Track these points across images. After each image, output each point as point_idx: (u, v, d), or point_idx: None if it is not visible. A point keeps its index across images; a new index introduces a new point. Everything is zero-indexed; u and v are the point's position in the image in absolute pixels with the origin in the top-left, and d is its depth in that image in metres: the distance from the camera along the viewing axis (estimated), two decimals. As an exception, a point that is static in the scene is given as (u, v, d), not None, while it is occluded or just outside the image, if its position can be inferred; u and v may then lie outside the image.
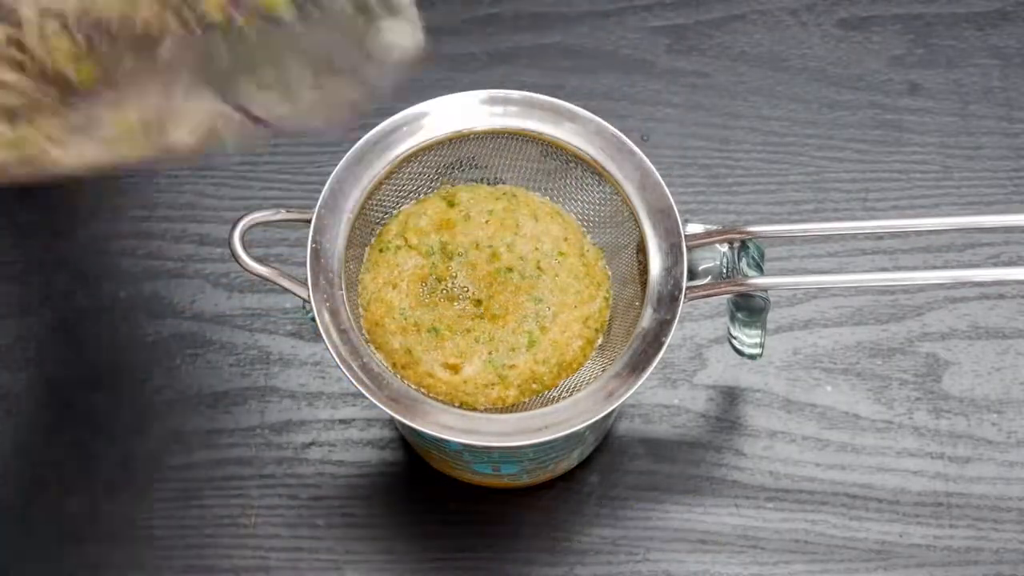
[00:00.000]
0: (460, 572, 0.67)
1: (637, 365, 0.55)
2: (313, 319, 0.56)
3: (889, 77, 0.78)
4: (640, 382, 0.55)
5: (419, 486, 0.68)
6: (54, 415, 0.70)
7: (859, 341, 0.71)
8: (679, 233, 0.57)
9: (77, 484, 0.69)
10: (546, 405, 0.56)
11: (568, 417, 0.55)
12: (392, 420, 0.68)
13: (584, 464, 0.68)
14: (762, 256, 0.58)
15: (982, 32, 0.79)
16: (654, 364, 0.55)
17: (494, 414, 0.57)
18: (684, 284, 0.56)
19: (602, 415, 0.55)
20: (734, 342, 0.62)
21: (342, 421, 0.70)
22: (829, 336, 0.71)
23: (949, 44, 0.79)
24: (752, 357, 0.62)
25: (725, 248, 0.58)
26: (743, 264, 0.57)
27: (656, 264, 0.57)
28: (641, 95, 0.77)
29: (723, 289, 0.57)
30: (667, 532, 0.67)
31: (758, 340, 0.61)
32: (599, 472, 0.69)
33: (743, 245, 0.57)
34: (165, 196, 0.75)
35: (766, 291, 0.58)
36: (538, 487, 0.68)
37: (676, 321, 0.56)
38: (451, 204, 0.60)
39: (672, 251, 0.57)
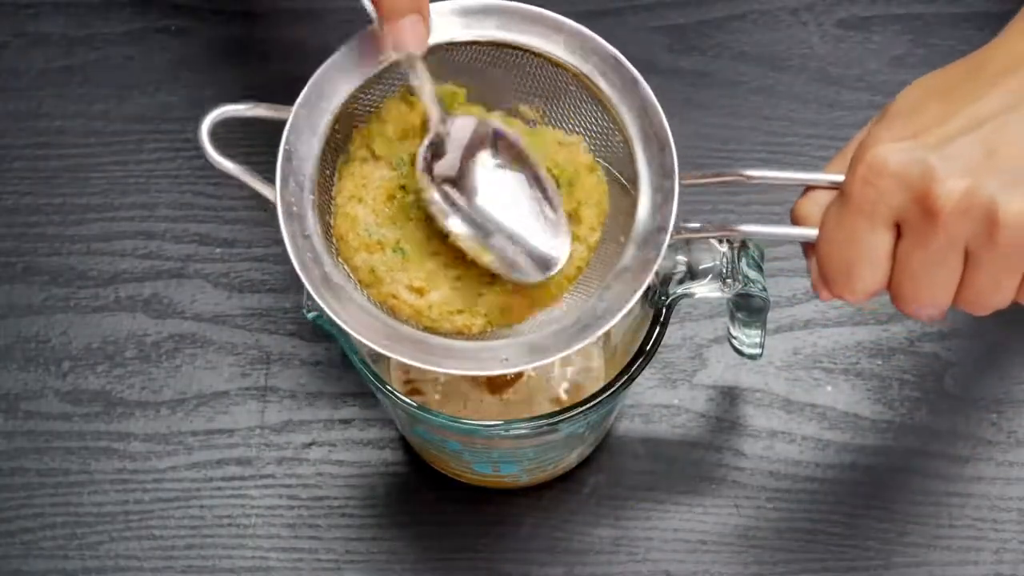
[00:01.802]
0: (460, 572, 0.67)
1: (611, 306, 0.52)
2: (315, 318, 0.56)
3: (889, 77, 0.78)
4: (609, 325, 0.52)
5: (419, 486, 0.68)
6: (53, 415, 0.70)
7: (859, 341, 0.71)
8: (673, 170, 0.54)
9: (80, 480, 0.69)
10: (511, 337, 0.54)
11: (529, 353, 0.52)
12: (392, 420, 0.68)
13: (584, 464, 0.68)
14: (762, 256, 0.58)
15: (982, 32, 0.79)
16: (628, 306, 0.52)
17: (458, 341, 0.54)
18: (671, 224, 0.53)
19: (564, 353, 0.52)
20: (734, 342, 0.62)
21: (342, 421, 0.70)
22: (829, 336, 0.71)
23: (949, 44, 0.79)
24: (752, 357, 0.62)
25: (725, 248, 0.58)
26: (743, 264, 0.57)
27: (645, 200, 0.54)
28: (641, 95, 0.77)
29: (712, 233, 0.54)
30: (667, 532, 0.67)
31: (758, 340, 0.61)
32: (599, 472, 0.69)
33: (743, 245, 0.57)
34: (165, 196, 0.75)
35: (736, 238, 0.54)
36: (538, 487, 0.68)
37: (658, 262, 0.53)
38: (411, 105, 0.55)
39: (663, 188, 0.54)
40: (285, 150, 0.54)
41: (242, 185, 0.76)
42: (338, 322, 0.52)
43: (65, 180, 0.76)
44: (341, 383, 0.70)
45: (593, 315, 0.53)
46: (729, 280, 0.56)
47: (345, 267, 0.55)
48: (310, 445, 0.69)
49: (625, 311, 0.52)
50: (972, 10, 0.79)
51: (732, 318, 0.61)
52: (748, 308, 0.60)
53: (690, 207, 0.74)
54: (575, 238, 0.55)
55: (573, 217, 0.55)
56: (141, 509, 0.68)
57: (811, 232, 0.51)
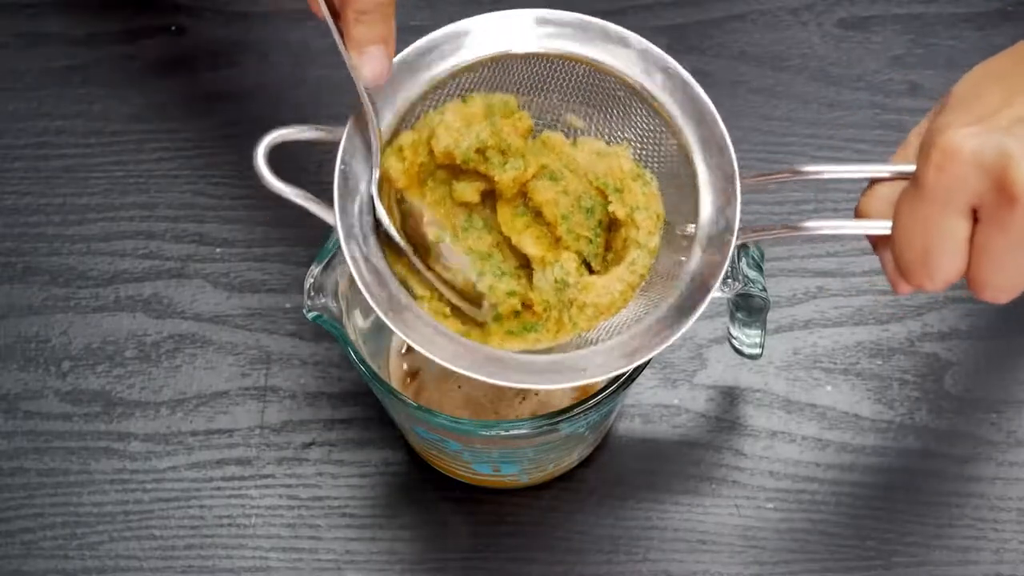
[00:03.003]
0: (460, 572, 0.67)
1: (683, 309, 0.53)
2: (315, 318, 0.56)
3: (889, 77, 0.78)
4: (687, 326, 0.52)
5: (419, 486, 0.68)
6: (53, 415, 0.70)
7: (859, 341, 0.71)
8: (734, 172, 0.54)
9: (80, 480, 0.69)
10: (582, 348, 0.54)
11: (605, 361, 0.52)
12: (393, 419, 0.68)
13: (584, 464, 0.68)
14: (762, 256, 0.58)
15: (982, 32, 0.79)
16: (701, 309, 0.52)
17: (525, 355, 0.54)
18: (736, 224, 0.53)
19: (645, 359, 0.52)
20: (734, 342, 0.62)
21: (342, 421, 0.70)
22: (829, 336, 0.71)
23: (949, 44, 0.79)
24: (752, 357, 0.62)
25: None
26: (743, 264, 0.57)
27: (707, 203, 0.54)
28: (641, 95, 0.77)
29: (777, 233, 0.53)
30: (667, 532, 0.67)
31: (758, 340, 0.61)
32: (599, 472, 0.69)
33: (743, 246, 0.57)
34: (165, 196, 0.75)
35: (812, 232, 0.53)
36: (538, 487, 0.68)
37: (726, 263, 0.53)
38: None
39: (725, 190, 0.54)
40: (341, 170, 0.53)
41: (242, 184, 0.76)
42: (410, 342, 0.52)
43: (65, 180, 0.76)
44: (341, 383, 0.70)
45: (665, 323, 0.53)
46: (729, 280, 0.56)
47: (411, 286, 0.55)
48: (310, 445, 0.69)
49: (697, 315, 0.52)
50: (972, 10, 0.79)
51: (732, 318, 0.61)
52: (748, 308, 0.60)
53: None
54: (635, 244, 0.55)
55: (629, 222, 0.56)
56: (141, 509, 0.68)
57: (884, 224, 0.50)
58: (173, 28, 0.80)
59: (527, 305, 0.56)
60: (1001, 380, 0.70)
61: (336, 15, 0.51)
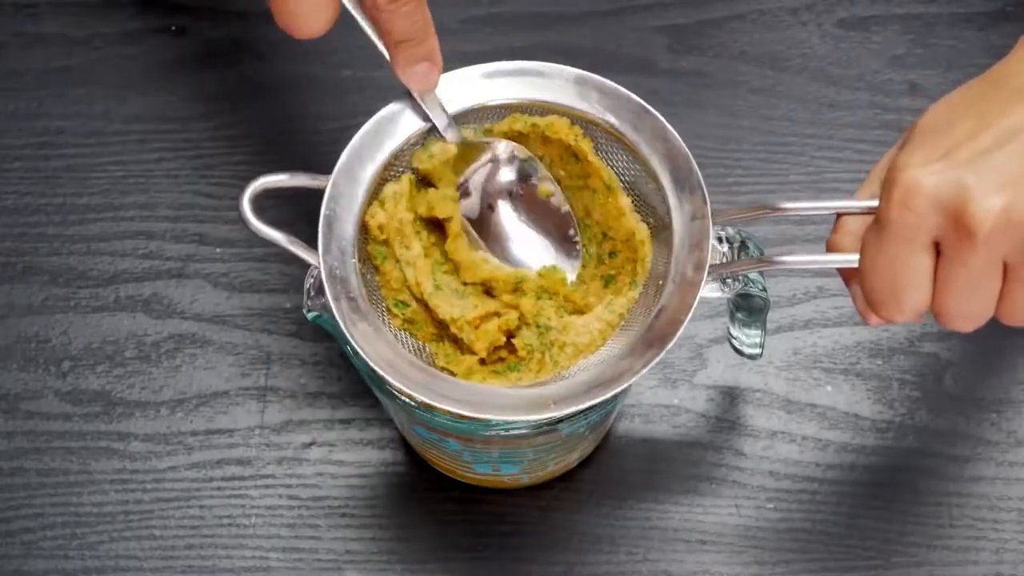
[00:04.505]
0: (460, 572, 0.67)
1: (653, 343, 0.53)
2: (315, 318, 0.56)
3: (889, 77, 0.78)
4: (656, 361, 0.53)
5: (419, 486, 0.68)
6: (53, 415, 0.70)
7: (859, 341, 0.71)
8: (707, 210, 0.55)
9: (80, 480, 0.69)
10: (555, 382, 0.55)
11: (576, 394, 0.53)
12: (392, 419, 0.68)
13: (584, 464, 0.68)
14: (762, 255, 0.58)
15: (982, 32, 0.79)
16: (672, 342, 0.53)
17: (503, 388, 0.55)
18: (708, 260, 0.54)
19: (611, 394, 0.53)
20: (734, 342, 0.62)
21: (342, 421, 0.70)
22: (829, 336, 0.71)
23: (949, 44, 0.79)
24: (752, 357, 0.62)
25: (725, 248, 0.58)
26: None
27: (681, 241, 0.55)
28: (641, 95, 0.77)
29: (747, 266, 0.55)
30: (667, 532, 0.67)
31: (758, 340, 0.61)
32: (599, 472, 0.69)
33: (743, 245, 0.57)
34: (165, 196, 0.75)
35: (775, 266, 0.55)
36: (538, 487, 0.68)
37: (697, 298, 0.54)
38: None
39: (698, 228, 0.55)
40: (326, 215, 0.55)
41: (242, 185, 0.76)
42: (387, 378, 0.53)
43: (65, 180, 0.76)
44: (341, 383, 0.70)
45: (637, 356, 0.54)
46: (729, 280, 0.56)
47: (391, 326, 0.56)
48: (310, 445, 0.69)
49: (669, 347, 0.53)
50: (972, 10, 0.79)
51: (732, 318, 0.61)
52: (748, 308, 0.60)
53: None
54: (616, 290, 0.57)
55: (607, 262, 0.58)
56: (141, 509, 0.68)
57: (852, 258, 0.51)
58: (173, 28, 0.80)
59: (510, 349, 0.57)
60: (1001, 380, 0.70)
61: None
